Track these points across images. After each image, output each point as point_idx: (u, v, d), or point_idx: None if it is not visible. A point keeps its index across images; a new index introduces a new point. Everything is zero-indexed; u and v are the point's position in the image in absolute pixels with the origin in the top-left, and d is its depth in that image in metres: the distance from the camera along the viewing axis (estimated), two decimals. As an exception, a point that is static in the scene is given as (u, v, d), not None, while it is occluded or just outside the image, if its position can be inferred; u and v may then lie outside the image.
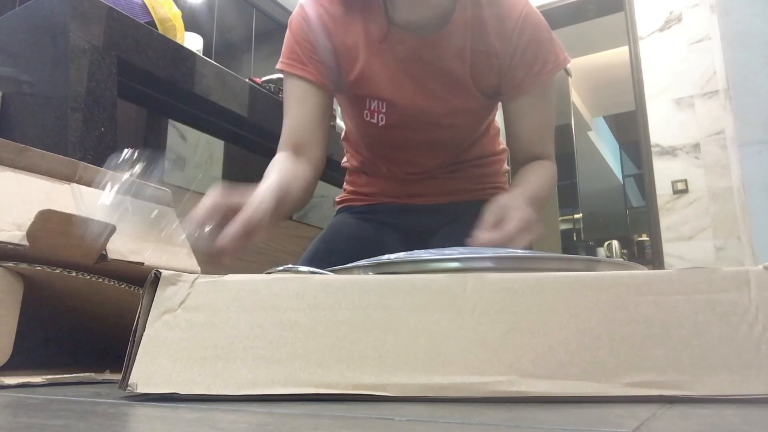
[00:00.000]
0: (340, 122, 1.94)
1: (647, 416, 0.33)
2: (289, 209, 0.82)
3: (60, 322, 0.76)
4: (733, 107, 2.05)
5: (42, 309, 0.69)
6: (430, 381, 0.39)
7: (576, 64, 5.12)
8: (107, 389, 0.50)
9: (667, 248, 3.12)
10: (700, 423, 0.32)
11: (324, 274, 0.48)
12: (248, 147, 1.87)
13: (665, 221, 3.16)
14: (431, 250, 0.52)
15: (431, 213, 1.04)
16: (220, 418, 0.35)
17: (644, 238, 5.35)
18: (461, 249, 0.52)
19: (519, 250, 0.56)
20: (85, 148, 1.17)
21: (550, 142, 0.96)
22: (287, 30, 0.94)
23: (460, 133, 1.00)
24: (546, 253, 0.60)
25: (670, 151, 3.22)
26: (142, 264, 0.74)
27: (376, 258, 0.52)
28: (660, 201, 3.19)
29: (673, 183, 3.17)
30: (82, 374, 0.57)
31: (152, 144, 1.67)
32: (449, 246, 0.56)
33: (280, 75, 0.96)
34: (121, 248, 0.73)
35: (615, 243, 5.50)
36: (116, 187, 0.59)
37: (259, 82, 1.85)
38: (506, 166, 1.10)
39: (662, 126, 3.26)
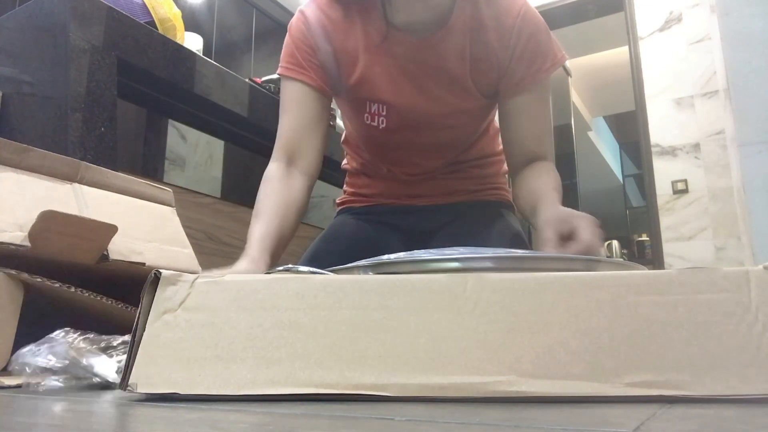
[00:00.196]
0: (340, 122, 1.94)
1: (647, 416, 0.33)
2: (285, 245, 0.84)
3: (60, 323, 0.76)
4: (733, 107, 2.05)
5: (42, 311, 0.69)
6: (430, 381, 0.39)
7: (576, 64, 5.11)
8: (107, 389, 0.50)
9: (667, 248, 3.12)
10: (700, 423, 0.32)
11: (324, 274, 0.48)
12: (248, 147, 1.87)
13: (665, 221, 3.16)
14: (431, 250, 0.52)
15: (431, 213, 1.04)
16: (220, 418, 0.35)
17: (644, 238, 5.35)
18: (461, 249, 0.52)
19: (518, 251, 0.56)
20: (85, 148, 1.17)
21: (549, 142, 0.95)
22: (287, 35, 0.94)
23: (460, 134, 1.00)
24: (546, 253, 0.60)
25: (670, 151, 3.22)
26: (143, 264, 0.74)
27: (376, 258, 0.52)
28: (660, 201, 3.19)
29: (673, 183, 3.17)
30: (82, 374, 0.57)
31: (152, 144, 1.67)
32: (449, 246, 0.56)
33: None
34: (122, 248, 0.73)
35: (615, 243, 5.50)
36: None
37: (259, 82, 1.85)
38: (506, 167, 1.09)
39: (662, 126, 3.26)
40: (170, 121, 1.73)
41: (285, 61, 0.92)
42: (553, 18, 3.56)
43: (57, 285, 0.62)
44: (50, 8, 1.24)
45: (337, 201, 1.16)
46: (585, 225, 0.66)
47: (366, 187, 1.10)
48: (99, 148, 1.21)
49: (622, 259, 0.78)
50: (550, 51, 0.90)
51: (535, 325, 0.40)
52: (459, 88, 0.91)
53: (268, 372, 0.41)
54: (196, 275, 0.45)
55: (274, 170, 0.88)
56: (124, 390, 0.42)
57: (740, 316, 0.38)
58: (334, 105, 1.10)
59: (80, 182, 0.78)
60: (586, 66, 5.51)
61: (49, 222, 0.63)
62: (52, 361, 0.50)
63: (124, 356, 0.45)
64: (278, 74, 0.93)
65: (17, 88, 1.28)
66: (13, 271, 0.61)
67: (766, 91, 1.90)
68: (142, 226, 0.81)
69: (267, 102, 1.72)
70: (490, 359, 0.39)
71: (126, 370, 0.43)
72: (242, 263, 0.73)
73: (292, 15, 0.96)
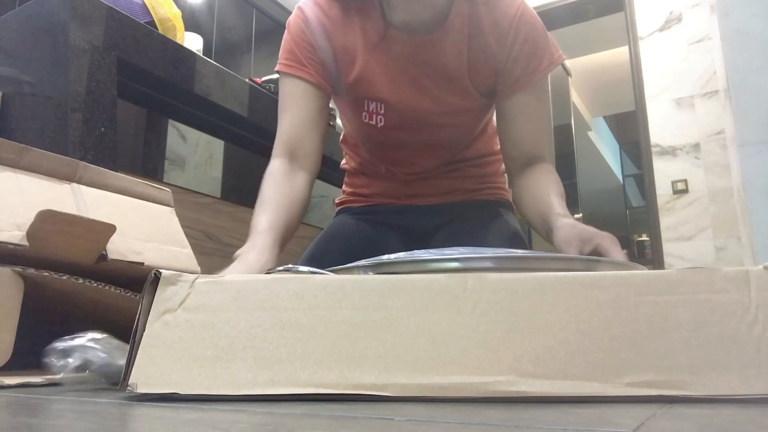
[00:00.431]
0: (339, 122, 1.94)
1: (647, 416, 0.33)
2: (291, 237, 0.83)
3: (60, 322, 0.76)
4: (733, 107, 2.05)
5: (42, 309, 0.69)
6: (430, 381, 0.39)
7: (576, 64, 5.11)
8: (107, 389, 0.50)
9: (667, 248, 3.12)
10: (700, 423, 0.32)
11: (324, 274, 0.48)
12: (248, 147, 1.87)
13: (665, 221, 3.16)
14: (431, 250, 0.52)
15: (431, 213, 1.04)
16: (220, 418, 0.35)
17: (644, 238, 5.35)
18: (461, 249, 0.52)
19: (518, 251, 0.56)
20: (85, 148, 1.17)
21: (548, 143, 0.95)
22: (285, 32, 0.94)
23: (459, 133, 1.00)
24: (546, 253, 0.60)
25: (670, 151, 3.22)
26: (143, 264, 0.74)
27: (376, 258, 0.52)
28: (660, 201, 3.19)
29: (673, 183, 3.17)
30: (82, 374, 0.57)
31: (152, 144, 1.67)
32: (449, 246, 0.56)
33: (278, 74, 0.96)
34: (121, 248, 0.73)
35: (615, 243, 5.49)
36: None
37: (259, 82, 1.85)
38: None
39: (662, 126, 3.26)
40: (170, 121, 1.73)
41: (284, 57, 0.92)
42: (553, 18, 3.56)
43: (65, 277, 0.62)
44: (50, 8, 1.24)
45: (336, 201, 1.16)
46: (609, 244, 0.66)
47: (365, 187, 1.10)
48: (99, 148, 1.21)
49: (622, 260, 0.77)
50: (547, 51, 0.91)
51: (535, 325, 0.40)
52: (457, 87, 0.91)
53: (268, 372, 0.41)
54: (196, 275, 0.45)
55: (276, 166, 0.87)
56: (124, 390, 0.42)
57: (740, 317, 0.38)
58: (332, 104, 1.10)
59: (79, 182, 0.78)
60: (586, 66, 5.51)
61: (47, 221, 0.63)
62: (88, 360, 0.51)
63: None
64: (277, 71, 0.93)
65: (17, 88, 1.28)
66: (18, 268, 0.61)
67: (766, 91, 1.90)
68: (140, 226, 0.81)
69: (267, 102, 1.72)
70: (490, 359, 0.39)
71: (126, 371, 0.43)
72: (251, 254, 0.71)
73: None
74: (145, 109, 1.62)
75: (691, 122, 3.19)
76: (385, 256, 0.52)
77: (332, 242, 1.03)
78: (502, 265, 0.48)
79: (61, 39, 1.19)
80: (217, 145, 1.93)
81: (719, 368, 0.37)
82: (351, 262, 0.53)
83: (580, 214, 4.83)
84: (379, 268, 0.50)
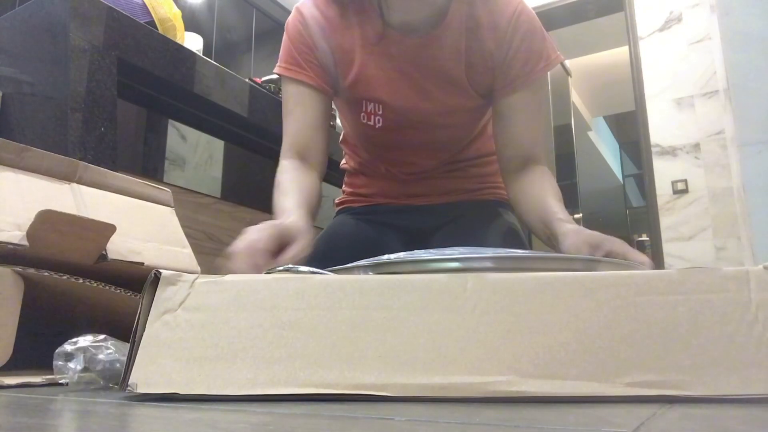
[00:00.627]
0: (340, 124, 1.94)
1: (647, 416, 0.33)
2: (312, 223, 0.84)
3: (60, 322, 0.76)
4: (733, 107, 2.05)
5: (42, 309, 0.69)
6: (430, 381, 0.39)
7: (576, 64, 5.11)
8: (107, 389, 0.50)
9: (667, 248, 3.12)
10: (700, 423, 0.32)
11: (324, 274, 0.48)
12: (248, 147, 1.87)
13: (665, 221, 3.16)
14: (431, 250, 0.52)
15: (430, 213, 1.04)
16: (220, 418, 0.35)
17: (644, 238, 5.35)
18: (461, 249, 0.52)
19: (519, 251, 0.56)
20: (85, 148, 1.17)
21: (542, 144, 0.95)
22: (284, 34, 0.94)
23: (457, 133, 1.00)
24: (546, 253, 0.60)
25: (670, 151, 3.22)
26: (142, 264, 0.74)
27: (376, 258, 0.52)
28: (660, 201, 3.19)
29: (673, 183, 3.17)
30: (82, 374, 0.57)
31: (152, 144, 1.67)
32: (449, 246, 0.56)
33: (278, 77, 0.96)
34: (121, 248, 0.73)
35: (615, 243, 5.49)
36: None
37: (259, 82, 1.85)
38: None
39: (662, 126, 3.26)
40: (170, 121, 1.73)
41: (284, 60, 0.92)
42: (553, 18, 3.56)
43: (65, 277, 0.62)
44: (50, 8, 1.24)
45: (336, 201, 1.16)
46: (622, 248, 0.65)
47: (364, 187, 1.10)
48: (99, 148, 1.21)
49: (622, 260, 0.78)
50: (545, 51, 0.91)
51: (535, 325, 0.40)
52: (455, 87, 0.91)
53: (268, 372, 0.41)
54: (196, 275, 0.45)
55: (288, 164, 0.88)
56: (124, 390, 0.42)
57: (740, 316, 0.38)
58: (332, 105, 1.10)
59: (79, 182, 0.78)
60: (586, 66, 5.52)
61: (47, 221, 0.63)
62: (90, 362, 0.51)
63: None
64: (277, 74, 0.93)
65: (17, 88, 1.28)
66: (18, 268, 0.61)
67: (766, 91, 1.90)
68: (140, 226, 0.81)
69: (267, 102, 1.72)
70: (490, 359, 0.39)
71: (126, 371, 0.43)
72: (293, 218, 0.72)
73: (291, 15, 0.96)
74: (145, 109, 1.62)
75: (691, 122, 3.19)
76: (385, 256, 0.52)
77: (332, 242, 1.03)
78: (502, 266, 0.48)
79: (61, 39, 1.19)
80: (217, 145, 1.93)
81: (719, 368, 0.37)
82: (351, 262, 0.53)
83: (580, 214, 4.83)
84: (379, 269, 0.50)
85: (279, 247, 0.66)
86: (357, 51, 0.91)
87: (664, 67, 3.30)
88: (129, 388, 0.41)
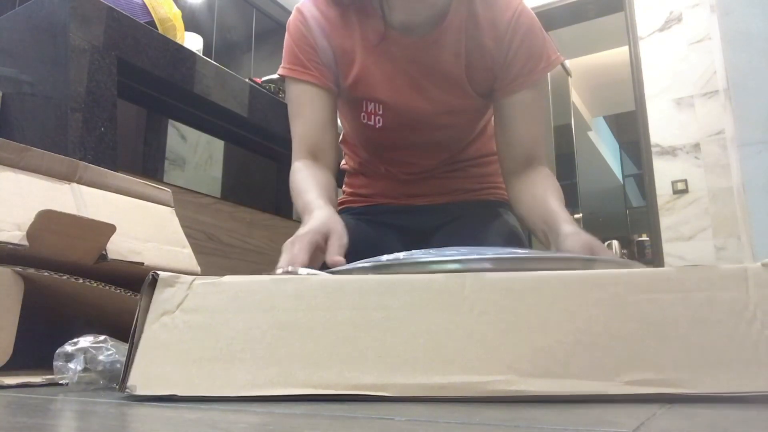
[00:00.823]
0: (339, 124, 1.95)
1: (647, 416, 0.33)
2: None
3: (60, 322, 0.76)
4: (733, 107, 2.05)
5: (42, 309, 0.69)
6: (429, 381, 0.39)
7: (576, 64, 5.11)
8: (107, 389, 0.50)
9: (667, 248, 3.12)
10: (700, 423, 0.32)
11: (321, 275, 0.48)
12: (248, 147, 1.87)
13: (665, 221, 3.16)
14: (431, 250, 0.52)
15: (431, 213, 1.04)
16: (220, 418, 0.35)
17: (644, 238, 5.35)
18: (461, 249, 0.52)
19: (519, 250, 0.56)
20: (85, 148, 1.17)
21: (543, 144, 0.95)
22: (286, 35, 0.94)
23: (457, 133, 1.00)
24: (545, 252, 0.60)
25: (670, 151, 3.22)
26: (142, 264, 0.74)
27: (374, 259, 0.52)
28: (660, 201, 3.19)
29: (673, 183, 3.17)
30: (82, 374, 0.57)
31: (152, 144, 1.67)
32: (449, 246, 0.56)
33: (282, 78, 0.96)
34: (121, 248, 0.73)
35: (615, 243, 5.49)
36: None
37: (259, 82, 1.85)
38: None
39: (662, 126, 3.26)
40: (170, 121, 1.73)
41: (287, 61, 0.92)
42: (553, 18, 3.56)
43: (65, 277, 0.62)
44: (50, 8, 1.24)
45: (336, 201, 1.16)
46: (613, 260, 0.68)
47: (364, 187, 1.10)
48: (99, 148, 1.21)
49: (621, 258, 0.77)
50: (545, 52, 0.91)
51: (534, 325, 0.40)
52: (455, 87, 0.91)
53: (266, 372, 0.41)
54: (194, 277, 0.45)
55: (301, 165, 0.88)
56: (123, 392, 0.42)
57: (739, 314, 0.38)
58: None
59: (79, 182, 0.78)
60: (586, 66, 5.51)
61: (47, 221, 0.63)
62: (91, 362, 0.51)
63: None
64: (281, 75, 0.93)
65: (17, 88, 1.28)
66: (18, 268, 0.61)
67: (766, 91, 1.90)
68: (140, 226, 0.81)
69: (267, 102, 1.72)
70: (489, 358, 0.39)
71: (125, 372, 0.42)
72: (319, 212, 0.72)
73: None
74: (145, 109, 1.62)
75: (691, 122, 3.19)
76: (384, 257, 0.52)
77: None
78: (501, 267, 0.47)
79: (61, 39, 1.19)
80: (217, 145, 1.93)
81: (718, 366, 0.37)
82: (351, 263, 0.53)
83: (580, 214, 4.83)
84: (378, 270, 0.50)
85: (319, 250, 0.65)
86: (357, 51, 0.91)
87: (664, 67, 3.30)
88: (128, 389, 0.41)
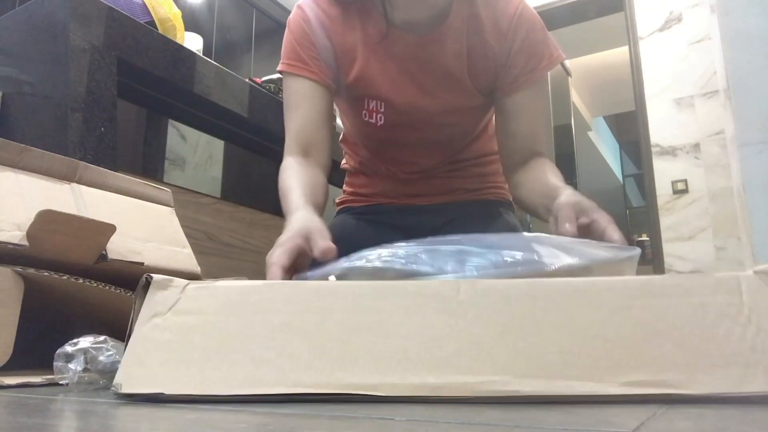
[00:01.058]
0: (339, 122, 1.95)
1: (647, 416, 0.33)
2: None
3: (60, 322, 0.76)
4: (733, 107, 2.05)
5: (42, 309, 0.69)
6: (423, 381, 0.39)
7: (576, 64, 5.11)
8: (107, 389, 0.50)
9: (667, 248, 3.12)
10: (700, 423, 0.32)
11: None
12: (248, 147, 1.87)
13: (665, 221, 3.16)
14: (432, 239, 0.51)
15: (431, 213, 1.04)
16: (220, 418, 0.35)
17: (644, 238, 5.35)
18: (462, 239, 0.52)
19: (517, 253, 0.56)
20: (85, 148, 1.17)
21: (544, 140, 0.96)
22: (286, 31, 0.94)
23: (459, 132, 1.00)
24: (533, 263, 0.59)
25: (670, 151, 3.22)
26: (142, 264, 0.74)
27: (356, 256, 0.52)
28: (660, 201, 3.19)
29: (673, 183, 3.17)
30: (82, 374, 0.57)
31: (152, 144, 1.67)
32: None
33: (281, 75, 0.96)
34: (121, 248, 0.73)
35: (615, 243, 5.49)
36: None
37: (259, 82, 1.85)
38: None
39: (662, 126, 3.26)
40: (170, 121, 1.73)
41: (287, 57, 0.92)
42: (553, 18, 3.56)
43: (65, 277, 0.62)
44: (50, 8, 1.24)
45: (337, 201, 1.16)
46: (606, 223, 0.65)
47: (365, 187, 1.09)
48: (99, 148, 1.21)
49: (618, 239, 0.78)
50: (547, 50, 0.91)
51: (529, 328, 0.40)
52: (457, 86, 0.91)
53: (256, 372, 0.40)
54: (187, 282, 0.45)
55: (292, 161, 0.87)
56: (109, 390, 0.42)
57: (733, 318, 0.39)
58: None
59: (79, 182, 0.78)
60: (586, 66, 5.51)
61: (47, 222, 0.63)
62: (92, 362, 0.51)
63: None
64: (280, 71, 0.93)
65: (17, 88, 1.28)
66: (18, 268, 0.61)
67: (766, 91, 1.90)
68: (140, 226, 0.81)
69: (267, 102, 1.72)
70: (483, 360, 0.39)
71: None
72: (297, 215, 0.71)
73: (292, 15, 0.96)
74: (145, 109, 1.62)
75: (691, 122, 3.19)
76: (364, 255, 0.52)
77: (333, 243, 1.02)
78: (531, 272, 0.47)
79: (61, 39, 1.19)
80: (217, 145, 1.93)
81: (716, 367, 0.37)
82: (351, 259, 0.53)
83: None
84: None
85: (302, 254, 0.65)
86: (359, 49, 0.91)
87: (664, 67, 3.30)
88: (113, 388, 0.41)
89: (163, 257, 0.80)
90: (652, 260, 3.27)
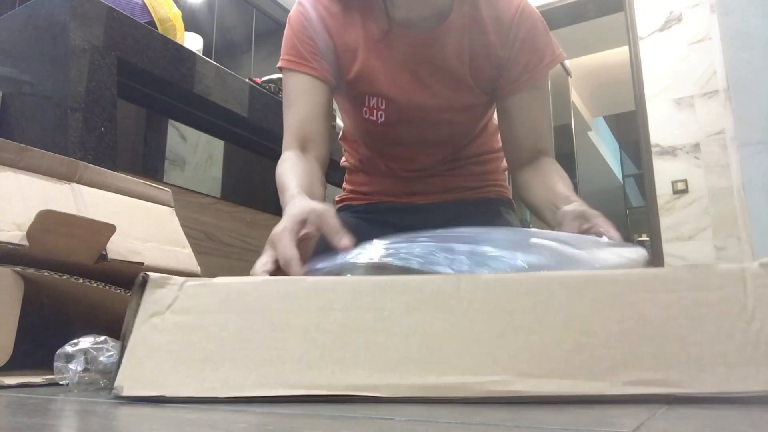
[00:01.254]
0: (339, 122, 1.95)
1: (647, 416, 0.33)
2: None
3: (60, 322, 0.76)
4: (733, 107, 2.05)
5: (42, 309, 0.69)
6: (423, 381, 0.39)
7: (576, 64, 5.11)
8: (107, 389, 0.50)
9: (667, 248, 3.12)
10: (700, 423, 0.32)
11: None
12: (248, 147, 1.87)
13: (665, 221, 3.16)
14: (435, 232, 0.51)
15: (431, 212, 1.04)
16: (220, 418, 0.35)
17: (644, 238, 5.35)
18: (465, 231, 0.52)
19: (518, 254, 0.56)
20: (85, 148, 1.17)
21: (549, 137, 0.96)
22: (287, 27, 0.94)
23: (460, 130, 1.00)
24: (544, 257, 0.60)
25: (670, 151, 3.22)
26: (142, 264, 0.74)
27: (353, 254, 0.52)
28: (660, 201, 3.19)
29: (673, 183, 3.17)
30: (82, 374, 0.57)
31: (152, 144, 1.67)
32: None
33: (281, 75, 0.96)
34: (121, 248, 0.73)
35: (615, 243, 5.49)
36: None
37: (259, 82, 1.85)
38: (505, 164, 1.09)
39: (662, 126, 3.26)
40: (170, 121, 1.73)
41: (287, 53, 0.92)
42: (553, 18, 3.56)
43: (65, 277, 0.62)
44: (50, 8, 1.24)
45: (336, 199, 1.16)
46: (606, 225, 0.67)
47: (365, 185, 1.09)
48: (99, 148, 1.21)
49: (617, 237, 0.79)
50: (548, 48, 0.91)
51: (530, 325, 0.40)
52: (458, 84, 0.92)
53: (257, 373, 0.40)
54: (185, 278, 0.45)
55: (289, 155, 0.87)
56: (110, 393, 0.42)
57: (737, 314, 0.38)
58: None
59: (79, 182, 0.78)
60: (586, 66, 5.51)
61: (47, 221, 0.63)
62: (92, 362, 0.51)
63: None
64: (280, 67, 0.93)
65: (17, 88, 1.28)
66: (18, 268, 0.61)
67: (766, 91, 1.90)
68: (140, 226, 0.81)
69: (267, 102, 1.72)
70: (485, 359, 0.39)
71: (115, 374, 0.42)
72: (294, 202, 0.69)
73: (292, 15, 0.96)
74: (145, 109, 1.62)
75: (691, 122, 3.19)
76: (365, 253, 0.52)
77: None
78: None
79: (61, 39, 1.19)
80: (217, 145, 1.93)
81: (717, 365, 0.37)
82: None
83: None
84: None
85: (304, 239, 0.64)
86: (360, 46, 0.91)
87: (664, 67, 3.30)
88: (114, 390, 0.41)
89: (163, 257, 0.80)
90: (652, 260, 3.27)
